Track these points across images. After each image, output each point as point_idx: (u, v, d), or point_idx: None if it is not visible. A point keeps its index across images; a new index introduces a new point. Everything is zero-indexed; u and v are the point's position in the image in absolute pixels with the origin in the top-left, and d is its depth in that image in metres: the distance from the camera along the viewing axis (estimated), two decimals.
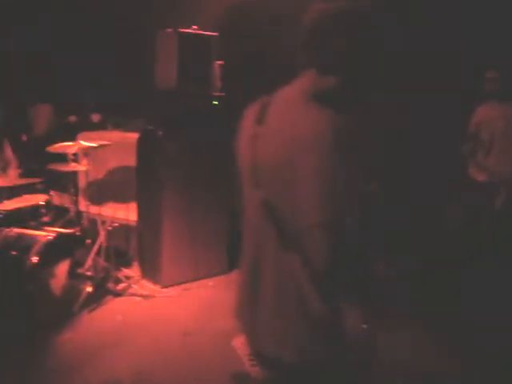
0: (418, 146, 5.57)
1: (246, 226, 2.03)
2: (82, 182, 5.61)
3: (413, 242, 5.16)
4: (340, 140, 1.65)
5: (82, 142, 4.73)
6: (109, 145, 4.95)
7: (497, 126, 4.97)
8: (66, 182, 5.11)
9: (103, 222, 5.09)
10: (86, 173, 4.94)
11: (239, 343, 3.66)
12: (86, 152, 4.79)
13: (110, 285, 4.82)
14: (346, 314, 1.80)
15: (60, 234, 4.38)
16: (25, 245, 4.19)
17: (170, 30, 4.80)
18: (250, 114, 1.89)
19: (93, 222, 5.34)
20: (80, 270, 4.52)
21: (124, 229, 5.48)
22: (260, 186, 1.82)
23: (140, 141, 5.05)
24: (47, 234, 4.31)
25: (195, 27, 4.91)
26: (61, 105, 6.55)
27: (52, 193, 5.05)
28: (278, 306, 1.86)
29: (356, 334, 1.83)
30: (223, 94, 5.07)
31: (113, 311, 4.56)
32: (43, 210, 4.79)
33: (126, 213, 5.42)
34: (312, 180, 1.66)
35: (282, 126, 1.75)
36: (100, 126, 6.12)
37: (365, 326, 1.84)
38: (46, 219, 4.78)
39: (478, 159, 5.10)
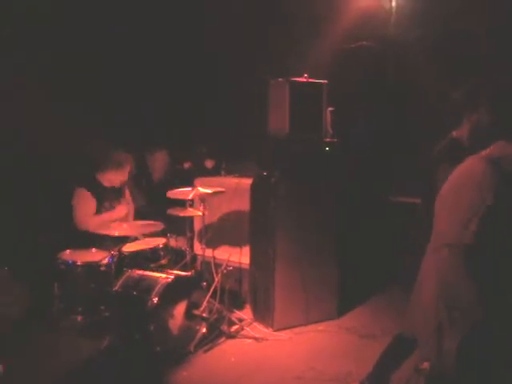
0: None
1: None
2: (197, 226, 5.86)
3: None
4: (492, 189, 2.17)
5: (199, 189, 4.96)
6: (224, 192, 5.15)
7: None
8: (182, 226, 5.34)
9: (218, 265, 5.26)
10: (202, 217, 5.14)
11: None
12: (203, 198, 5.00)
13: (224, 326, 4.93)
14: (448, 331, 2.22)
15: (178, 277, 4.58)
16: (146, 286, 4.42)
17: (281, 79, 4.97)
18: None
19: (207, 264, 5.52)
20: (196, 312, 4.66)
21: (237, 272, 5.63)
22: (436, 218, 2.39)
23: (254, 186, 5.22)
24: (167, 276, 4.53)
25: (306, 75, 5.04)
26: (176, 151, 6.88)
27: (169, 236, 5.28)
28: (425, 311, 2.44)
29: (447, 353, 2.19)
30: (335, 139, 5.14)
31: (226, 352, 4.66)
32: (162, 253, 5.02)
33: (240, 256, 5.57)
34: (450, 210, 2.28)
35: (454, 172, 2.38)
36: (213, 172, 6.36)
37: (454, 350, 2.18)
38: (164, 261, 5.01)
39: None
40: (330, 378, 4.21)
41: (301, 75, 5.04)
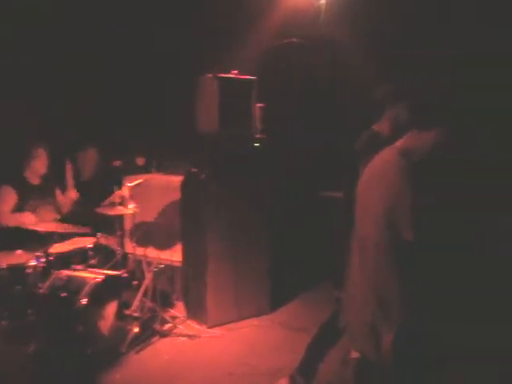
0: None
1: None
2: (128, 225, 5.77)
3: None
4: (408, 181, 2.12)
5: (128, 184, 4.89)
6: (150, 185, 5.10)
7: None
8: (112, 225, 5.25)
9: (149, 264, 5.20)
10: (132, 216, 5.07)
11: None
12: (132, 195, 4.93)
13: (157, 325, 4.88)
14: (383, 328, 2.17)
15: (108, 276, 4.50)
16: (74, 287, 4.31)
17: (210, 75, 4.95)
18: None
19: (139, 263, 5.45)
20: (127, 311, 4.61)
21: (169, 269, 5.58)
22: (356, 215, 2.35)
23: (184, 183, 5.18)
24: (96, 276, 4.43)
25: (235, 71, 5.05)
26: (106, 149, 6.75)
27: (99, 235, 5.18)
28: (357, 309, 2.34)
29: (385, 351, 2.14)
30: (264, 135, 5.17)
31: (159, 351, 4.62)
32: (91, 253, 4.92)
33: (171, 254, 5.52)
34: (368, 207, 2.22)
35: (369, 167, 2.34)
36: (144, 170, 6.27)
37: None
38: (93, 261, 4.90)
39: None
40: (262, 373, 4.24)
41: (230, 71, 5.04)
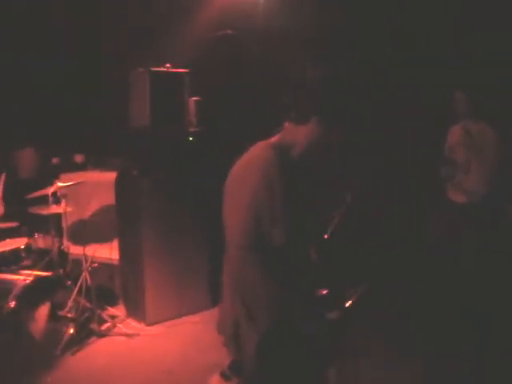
0: (398, 170, 5.61)
1: None
2: (64, 223, 5.63)
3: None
4: (275, 179, 1.99)
5: (58, 184, 4.76)
6: (84, 183, 4.97)
7: (471, 147, 4.92)
8: (48, 224, 5.12)
9: (86, 262, 5.08)
10: (67, 214, 4.94)
11: (215, 381, 3.61)
12: (65, 193, 4.81)
13: (94, 325, 4.77)
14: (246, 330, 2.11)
15: (38, 278, 4.38)
16: (2, 290, 4.18)
17: (141, 69, 4.85)
18: None
19: (77, 262, 5.32)
20: (61, 312, 4.48)
21: (109, 268, 5.47)
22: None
23: (117, 180, 5.09)
24: (25, 277, 4.30)
25: (168, 65, 4.96)
26: (44, 147, 6.58)
27: (36, 235, 5.04)
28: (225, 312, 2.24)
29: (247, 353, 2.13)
30: (198, 129, 5.09)
31: (97, 352, 4.53)
32: (23, 254, 4.76)
33: (110, 251, 5.41)
34: (235, 206, 2.06)
35: (239, 162, 2.14)
36: (82, 167, 6.15)
37: None
38: (27, 263, 4.75)
39: (456, 181, 5.04)
40: (202, 370, 4.13)
41: (163, 65, 4.96)
